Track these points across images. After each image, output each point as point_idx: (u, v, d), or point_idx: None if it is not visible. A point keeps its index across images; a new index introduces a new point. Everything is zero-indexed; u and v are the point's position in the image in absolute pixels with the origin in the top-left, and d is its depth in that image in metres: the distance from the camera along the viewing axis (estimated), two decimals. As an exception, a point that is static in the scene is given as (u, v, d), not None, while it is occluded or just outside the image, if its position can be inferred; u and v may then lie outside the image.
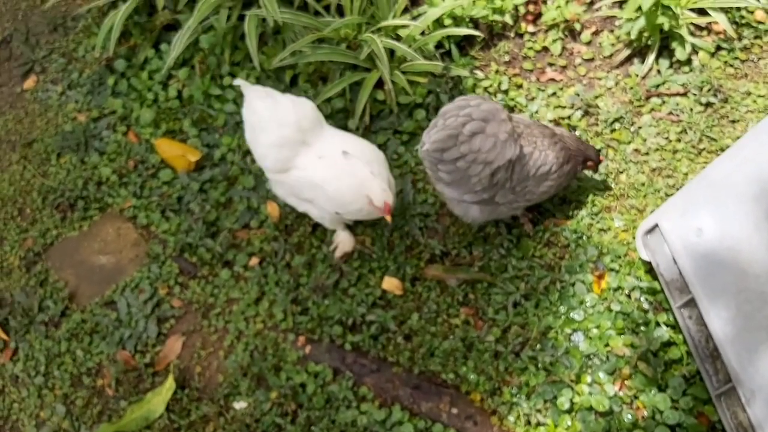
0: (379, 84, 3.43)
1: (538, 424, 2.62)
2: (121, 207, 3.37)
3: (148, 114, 3.65)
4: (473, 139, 2.56)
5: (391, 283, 2.98)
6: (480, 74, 3.61)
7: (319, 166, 2.77)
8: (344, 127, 3.42)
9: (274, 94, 2.79)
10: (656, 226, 2.74)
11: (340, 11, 3.60)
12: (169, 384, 2.81)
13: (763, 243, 2.32)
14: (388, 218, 2.77)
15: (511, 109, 3.50)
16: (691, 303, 2.57)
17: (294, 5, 3.55)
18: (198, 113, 3.62)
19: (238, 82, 2.83)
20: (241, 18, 3.53)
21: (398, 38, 3.49)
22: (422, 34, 3.53)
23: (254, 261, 3.13)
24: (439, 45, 3.63)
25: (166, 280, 3.13)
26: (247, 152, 3.46)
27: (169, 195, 3.37)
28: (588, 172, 3.20)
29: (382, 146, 3.41)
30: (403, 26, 3.47)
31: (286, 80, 3.61)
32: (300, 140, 2.77)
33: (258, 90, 2.79)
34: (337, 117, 3.46)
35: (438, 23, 3.60)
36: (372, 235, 3.14)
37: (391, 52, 3.43)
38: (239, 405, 2.79)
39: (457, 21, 3.62)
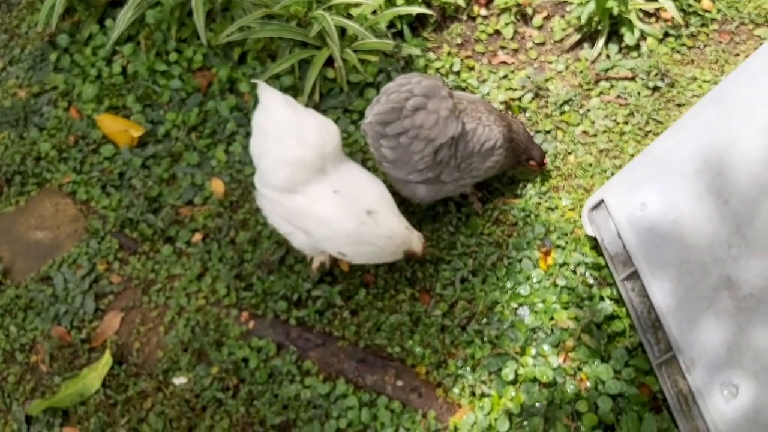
0: (330, 62, 3.40)
1: (483, 395, 2.60)
2: (60, 182, 3.27)
3: (90, 90, 3.55)
4: (416, 114, 2.54)
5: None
6: (432, 55, 3.60)
7: (333, 201, 2.52)
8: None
9: (297, 106, 2.54)
10: (602, 201, 2.76)
11: (291, -12, 3.55)
12: (106, 359, 2.72)
13: (704, 216, 2.33)
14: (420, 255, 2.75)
15: (463, 90, 3.50)
16: (634, 276, 2.59)
17: (243, -19, 3.49)
18: (142, 89, 3.53)
19: (257, 81, 2.58)
20: (189, -7, 3.46)
21: (349, 16, 3.46)
22: (374, 13, 3.50)
23: (197, 237, 3.05)
24: (391, 25, 3.61)
25: (105, 255, 3.04)
26: (193, 129, 3.39)
27: (110, 171, 3.28)
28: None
29: (331, 125, 3.37)
30: (355, 4, 3.44)
31: (234, 57, 3.55)
32: (320, 167, 2.51)
33: (278, 96, 2.52)
34: (286, 95, 3.40)
35: (390, 2, 3.58)
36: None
37: (342, 31, 3.39)
38: (179, 380, 2.71)
39: (410, 0, 3.60)
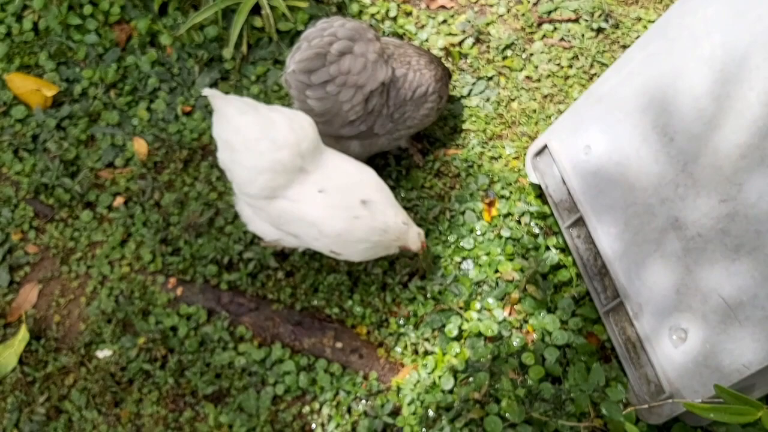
0: (257, 10, 3.18)
1: (426, 352, 2.49)
2: (-33, 148, 3.02)
3: (0, 48, 3.28)
4: (342, 59, 2.35)
5: (271, 219, 2.76)
6: (366, 0, 3.41)
7: (320, 202, 2.26)
8: (218, 58, 3.17)
9: (258, 106, 2.23)
10: (545, 147, 2.64)
11: (213, -68, 3.31)
12: (22, 335, 2.53)
13: (650, 155, 2.23)
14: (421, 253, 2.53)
15: (400, 37, 3.32)
16: (580, 222, 2.49)
17: (161, -75, 3.24)
18: (56, 46, 3.26)
19: (207, 92, 2.13)
20: (102, -61, 3.20)
21: (276, -39, 3.24)
22: (303, -44, 3.29)
23: (119, 201, 2.85)
24: (322, -30, 3.40)
25: (19, 224, 2.81)
26: (112, 86, 3.15)
27: (22, 133, 3.02)
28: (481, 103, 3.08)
29: (261, 77, 3.17)
30: (282, -53, 3.22)
31: (155, 8, 3.30)
32: (298, 166, 2.23)
33: (236, 102, 2.18)
34: (211, 47, 3.19)
35: (319, -55, 3.36)
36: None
37: (269, -24, 3.17)
38: (103, 353, 2.54)
39: (340, -57, 3.40)
